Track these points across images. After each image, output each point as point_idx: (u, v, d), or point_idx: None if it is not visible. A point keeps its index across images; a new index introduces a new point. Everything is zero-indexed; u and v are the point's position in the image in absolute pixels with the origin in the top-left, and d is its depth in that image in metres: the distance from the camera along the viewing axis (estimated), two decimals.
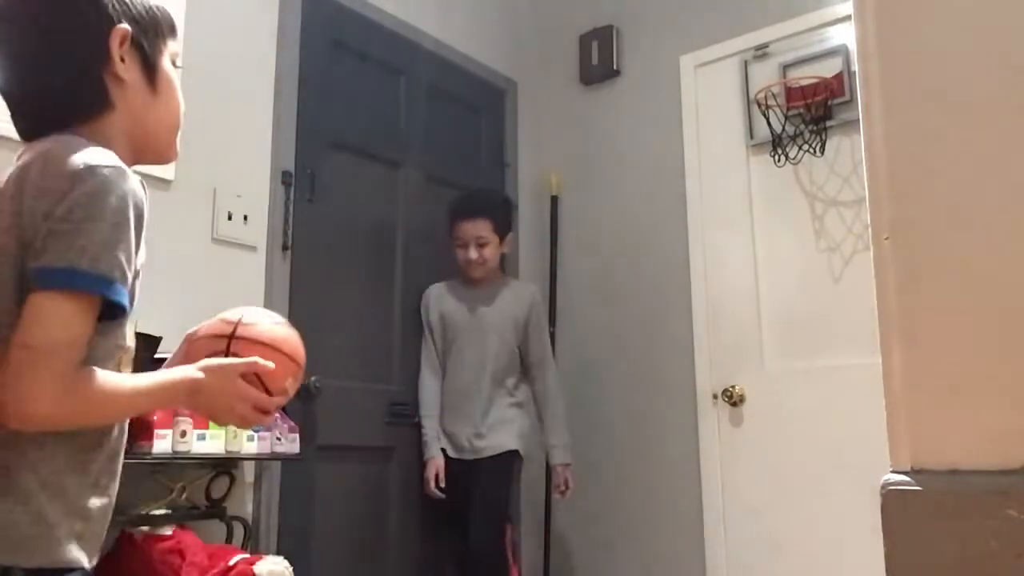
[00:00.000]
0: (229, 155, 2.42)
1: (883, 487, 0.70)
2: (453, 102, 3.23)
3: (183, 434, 1.89)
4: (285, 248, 2.52)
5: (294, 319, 2.56)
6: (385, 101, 2.95)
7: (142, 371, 1.93)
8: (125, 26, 1.05)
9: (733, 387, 2.88)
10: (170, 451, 1.86)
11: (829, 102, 2.81)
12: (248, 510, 2.29)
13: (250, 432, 2.03)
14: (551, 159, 3.50)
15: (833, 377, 2.67)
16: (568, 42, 3.54)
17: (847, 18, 2.62)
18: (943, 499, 0.68)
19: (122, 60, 1.05)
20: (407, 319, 2.88)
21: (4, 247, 0.92)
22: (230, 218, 2.39)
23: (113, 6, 1.05)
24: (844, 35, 2.82)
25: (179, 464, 1.97)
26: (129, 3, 1.07)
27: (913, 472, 0.70)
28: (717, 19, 3.15)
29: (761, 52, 3.04)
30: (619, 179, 3.30)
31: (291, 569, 1.85)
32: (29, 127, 1.04)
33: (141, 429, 1.85)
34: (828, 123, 2.81)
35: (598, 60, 3.42)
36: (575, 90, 3.51)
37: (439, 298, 2.85)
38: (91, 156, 0.93)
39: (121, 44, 1.04)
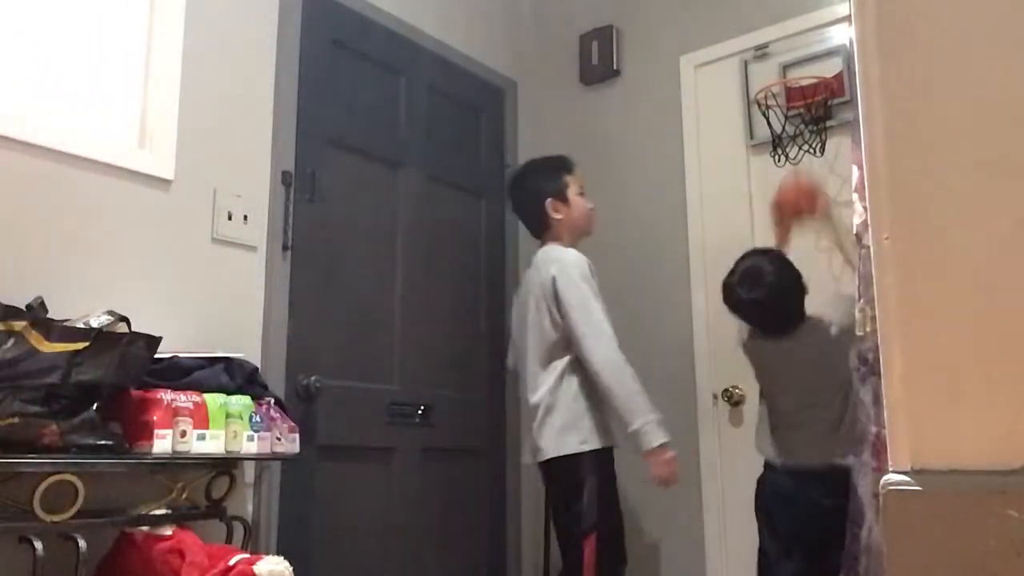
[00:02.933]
0: (229, 155, 2.42)
1: (883, 487, 0.70)
2: (453, 102, 3.23)
3: (183, 434, 1.89)
4: (285, 248, 2.52)
5: (294, 319, 2.59)
6: (385, 101, 2.95)
7: (142, 371, 1.93)
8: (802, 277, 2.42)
9: (733, 387, 2.88)
10: (170, 451, 1.86)
11: (829, 102, 2.81)
12: (248, 510, 2.29)
13: (250, 432, 2.03)
14: None
15: None
16: (568, 42, 3.54)
17: (847, 18, 2.61)
18: (943, 499, 0.68)
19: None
20: (407, 319, 2.88)
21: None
22: (230, 218, 2.39)
23: (795, 271, 2.39)
24: (844, 35, 2.82)
25: (179, 464, 1.97)
26: (793, 267, 2.41)
27: (913, 472, 0.70)
28: (717, 19, 3.15)
29: (761, 52, 3.03)
30: (619, 179, 3.29)
31: (291, 569, 1.85)
32: (778, 332, 2.42)
33: (141, 429, 1.85)
34: (828, 123, 2.81)
35: (598, 60, 3.42)
36: (575, 90, 3.51)
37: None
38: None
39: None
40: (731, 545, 2.83)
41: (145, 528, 1.88)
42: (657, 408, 2.38)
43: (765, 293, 2.33)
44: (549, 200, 2.62)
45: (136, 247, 2.17)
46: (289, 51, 2.62)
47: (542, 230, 2.66)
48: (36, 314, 1.81)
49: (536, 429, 2.46)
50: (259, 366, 2.30)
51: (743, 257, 2.42)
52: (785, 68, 2.94)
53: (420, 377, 2.89)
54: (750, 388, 2.88)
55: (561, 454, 2.41)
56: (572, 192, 2.65)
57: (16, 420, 1.67)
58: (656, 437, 2.32)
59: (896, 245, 0.74)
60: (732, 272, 2.40)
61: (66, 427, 1.72)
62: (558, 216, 2.62)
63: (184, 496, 2.02)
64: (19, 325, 1.77)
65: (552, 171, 2.69)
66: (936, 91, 0.74)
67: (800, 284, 2.38)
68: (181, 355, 2.03)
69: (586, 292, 2.42)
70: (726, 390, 2.89)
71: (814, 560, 2.29)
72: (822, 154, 2.83)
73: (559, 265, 2.47)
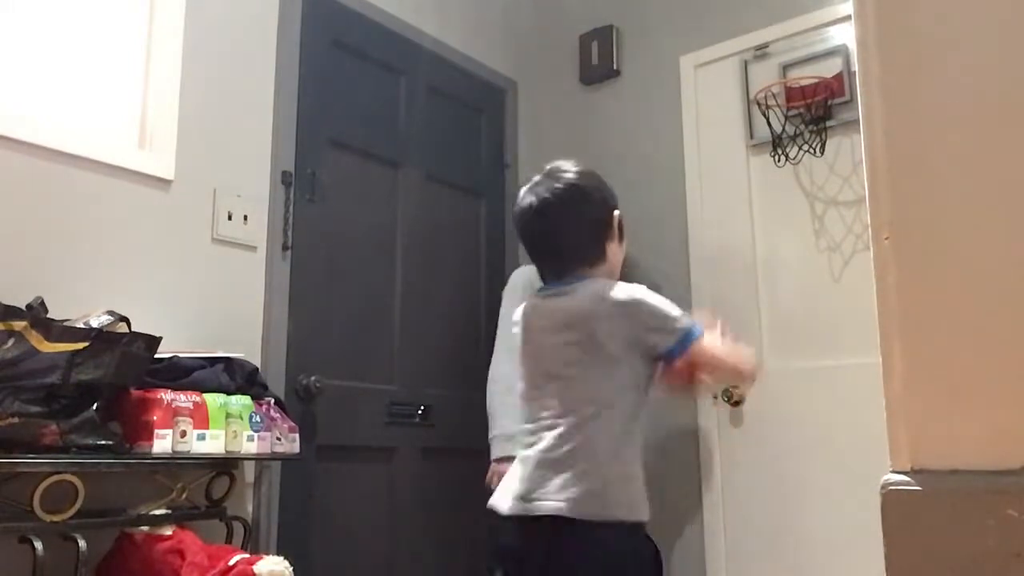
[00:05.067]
0: (229, 155, 2.42)
1: (883, 487, 0.70)
2: (453, 102, 3.23)
3: (183, 434, 1.89)
4: (285, 248, 2.52)
5: (294, 319, 2.59)
6: (385, 101, 2.95)
7: (142, 371, 1.93)
8: (617, 211, 1.75)
9: (733, 387, 2.88)
10: (170, 451, 1.86)
11: (829, 102, 2.81)
12: (248, 510, 2.29)
13: (250, 432, 2.03)
14: (551, 159, 3.48)
15: (833, 377, 2.67)
16: (568, 42, 3.54)
17: (847, 18, 2.62)
18: (943, 499, 0.68)
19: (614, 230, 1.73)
20: (407, 319, 2.88)
21: (613, 351, 1.58)
22: (230, 218, 2.39)
23: (611, 197, 1.75)
24: (844, 35, 2.82)
25: (179, 464, 1.97)
26: (612, 194, 1.76)
27: (913, 472, 0.70)
28: (717, 19, 3.15)
29: (761, 52, 3.03)
30: (619, 179, 3.26)
31: (291, 569, 1.85)
32: (557, 273, 1.70)
33: (141, 429, 1.85)
34: (828, 123, 2.81)
35: (598, 60, 3.42)
36: (575, 90, 3.51)
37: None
38: (624, 286, 1.63)
39: (616, 221, 1.74)
40: (731, 545, 2.83)
41: (145, 528, 1.88)
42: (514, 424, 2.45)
43: (556, 196, 1.67)
44: None
45: (136, 247, 2.17)
46: (289, 51, 2.62)
47: None
48: (36, 314, 1.81)
49: None
50: (259, 366, 2.30)
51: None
52: (785, 68, 2.94)
53: (420, 377, 2.89)
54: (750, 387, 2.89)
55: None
56: None
57: (16, 420, 1.67)
58: (493, 452, 2.58)
59: (896, 245, 0.74)
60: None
61: (66, 427, 1.72)
62: None
63: (184, 496, 2.02)
64: (19, 325, 1.77)
65: None
66: (936, 91, 0.74)
67: (610, 214, 1.72)
68: (181, 355, 2.03)
69: (502, 311, 2.71)
70: (726, 390, 2.89)
71: None
72: (822, 154, 2.82)
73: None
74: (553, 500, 1.52)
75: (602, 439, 1.55)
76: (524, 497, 1.58)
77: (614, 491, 1.54)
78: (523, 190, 1.75)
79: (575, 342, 1.60)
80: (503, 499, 1.64)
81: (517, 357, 1.74)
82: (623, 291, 1.61)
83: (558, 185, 1.69)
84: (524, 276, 2.73)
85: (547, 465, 1.56)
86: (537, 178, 1.74)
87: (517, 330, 1.75)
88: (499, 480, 2.54)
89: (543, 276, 1.74)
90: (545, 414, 1.61)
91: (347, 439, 2.63)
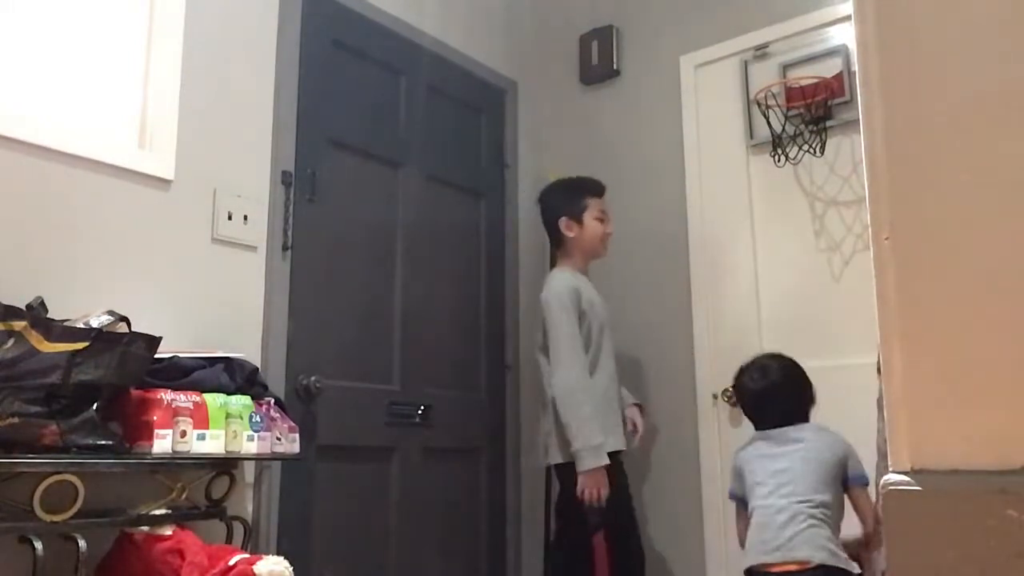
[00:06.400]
0: (229, 155, 2.42)
1: (883, 487, 0.70)
2: (453, 102, 3.23)
3: (183, 434, 1.89)
4: (285, 248, 2.52)
5: (294, 319, 2.59)
6: (385, 101, 2.95)
7: (142, 371, 1.93)
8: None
9: (733, 387, 2.88)
10: (170, 451, 1.86)
11: (829, 102, 2.81)
12: (248, 510, 2.29)
13: (250, 432, 2.03)
14: (551, 159, 3.50)
15: (832, 377, 2.67)
16: (568, 42, 3.54)
17: (847, 18, 2.62)
18: (943, 499, 0.68)
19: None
20: (407, 319, 2.88)
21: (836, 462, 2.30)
22: (230, 218, 2.39)
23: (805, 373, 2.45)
24: (844, 35, 2.82)
25: (179, 464, 1.97)
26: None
27: (913, 472, 0.70)
28: (717, 19, 3.15)
29: (761, 52, 3.04)
30: (619, 179, 3.29)
31: (291, 569, 1.85)
32: (782, 422, 2.36)
33: (141, 429, 1.85)
34: (828, 123, 2.82)
35: (598, 60, 3.42)
36: (575, 90, 3.51)
37: (583, 285, 2.71)
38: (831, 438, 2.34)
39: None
40: (732, 545, 2.83)
41: (145, 528, 1.88)
42: (601, 431, 2.54)
43: (780, 385, 2.42)
44: (563, 218, 2.81)
45: (136, 247, 2.17)
46: (289, 51, 2.62)
47: (556, 246, 2.86)
48: (36, 314, 1.81)
49: (544, 435, 2.68)
50: (259, 366, 2.30)
51: (758, 357, 2.52)
52: (785, 68, 2.94)
53: (420, 377, 2.89)
54: None
55: (556, 462, 2.62)
56: (589, 215, 2.81)
57: (16, 420, 1.67)
58: (586, 463, 2.50)
59: (896, 245, 0.74)
60: (745, 365, 2.51)
61: (66, 427, 1.72)
62: (570, 234, 2.80)
63: (184, 496, 2.02)
64: (19, 325, 1.77)
65: (575, 190, 2.86)
66: (936, 91, 0.74)
67: (808, 389, 2.44)
68: (181, 355, 2.03)
69: (561, 320, 2.62)
70: (726, 390, 2.89)
71: None
72: (822, 154, 2.83)
73: (546, 291, 2.69)
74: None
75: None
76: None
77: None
78: (746, 378, 2.44)
79: (809, 460, 2.29)
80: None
81: (758, 474, 2.34)
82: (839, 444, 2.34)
83: (779, 376, 2.42)
84: (569, 284, 2.67)
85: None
86: (756, 371, 2.44)
87: (751, 466, 2.36)
88: (606, 487, 2.52)
89: (764, 423, 2.38)
90: (794, 500, 2.26)
91: (347, 439, 2.63)
